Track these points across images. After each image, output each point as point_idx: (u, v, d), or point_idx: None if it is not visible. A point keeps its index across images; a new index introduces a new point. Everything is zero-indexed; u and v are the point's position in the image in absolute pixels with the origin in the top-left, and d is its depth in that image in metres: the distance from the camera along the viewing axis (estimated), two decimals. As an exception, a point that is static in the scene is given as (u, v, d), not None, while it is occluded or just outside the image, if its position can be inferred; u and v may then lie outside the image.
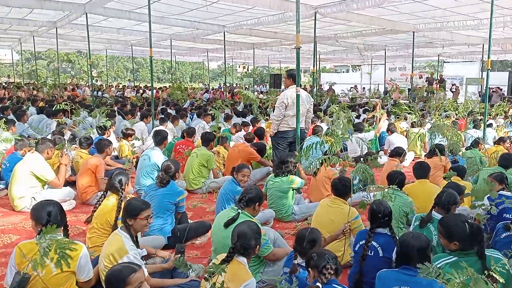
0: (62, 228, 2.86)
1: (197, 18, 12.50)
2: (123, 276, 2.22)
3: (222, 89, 22.77)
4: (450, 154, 5.54)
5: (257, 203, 3.44)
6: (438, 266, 2.62)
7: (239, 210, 3.35)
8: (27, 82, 21.28)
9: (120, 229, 2.97)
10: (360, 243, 3.07)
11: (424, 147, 8.20)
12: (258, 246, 2.72)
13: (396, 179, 4.10)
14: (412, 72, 14.92)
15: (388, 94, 18.25)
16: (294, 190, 4.85)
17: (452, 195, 3.43)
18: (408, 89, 18.39)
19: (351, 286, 3.02)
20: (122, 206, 3.18)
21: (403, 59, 24.80)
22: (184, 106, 12.93)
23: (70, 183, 5.68)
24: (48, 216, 2.78)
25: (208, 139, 6.18)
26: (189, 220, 4.45)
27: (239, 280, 2.49)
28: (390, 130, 8.26)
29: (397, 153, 5.68)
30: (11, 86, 18.55)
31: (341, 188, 3.71)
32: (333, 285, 2.39)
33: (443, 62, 26.10)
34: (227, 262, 2.59)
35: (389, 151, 6.41)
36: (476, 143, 6.65)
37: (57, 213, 2.81)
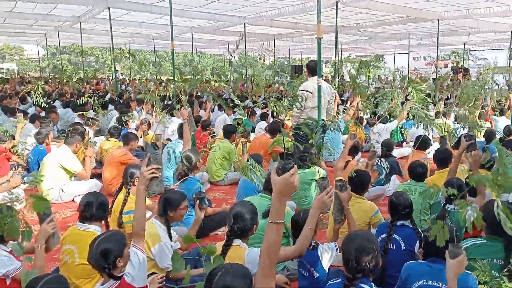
0: (103, 220, 3.00)
1: (217, 10, 12.50)
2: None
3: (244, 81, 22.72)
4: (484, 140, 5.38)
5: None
6: (464, 246, 2.68)
7: None
8: (53, 76, 21.73)
9: (154, 218, 3.10)
10: (382, 236, 3.05)
11: (449, 138, 8.02)
12: (255, 225, 2.72)
13: (416, 171, 4.05)
14: (436, 61, 14.56)
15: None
16: (316, 182, 4.84)
17: (463, 186, 3.36)
18: (433, 78, 17.98)
19: (374, 279, 3.01)
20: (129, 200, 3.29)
21: (428, 48, 24.22)
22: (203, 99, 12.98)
23: (96, 175, 5.82)
24: (88, 207, 2.90)
25: (230, 132, 6.22)
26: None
27: (239, 261, 2.48)
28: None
29: (423, 144, 5.55)
30: (39, 81, 18.94)
31: (358, 183, 3.62)
32: (361, 285, 2.21)
33: (469, 50, 25.37)
34: (228, 246, 2.61)
35: (412, 143, 6.29)
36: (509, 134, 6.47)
37: (97, 205, 2.92)
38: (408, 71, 21.64)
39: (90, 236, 2.77)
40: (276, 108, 3.24)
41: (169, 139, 7.44)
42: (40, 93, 5.11)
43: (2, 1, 10.22)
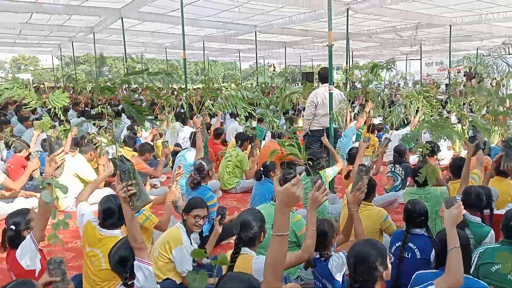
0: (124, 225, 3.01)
1: (228, 19, 12.59)
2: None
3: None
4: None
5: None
6: (481, 250, 2.69)
7: None
8: (67, 86, 22.02)
9: (180, 222, 3.18)
10: (397, 244, 3.01)
11: (464, 144, 7.92)
12: (262, 233, 2.68)
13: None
14: (449, 67, 14.44)
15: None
16: (329, 186, 4.81)
17: (481, 194, 3.28)
18: (446, 84, 17.83)
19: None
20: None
21: (440, 54, 24.06)
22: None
23: (110, 183, 5.87)
24: (109, 216, 2.93)
25: (242, 140, 6.23)
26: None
27: (247, 270, 2.44)
28: None
29: (432, 150, 5.40)
30: (54, 91, 19.17)
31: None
32: None
33: (482, 55, 25.13)
34: (236, 255, 2.60)
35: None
36: None
37: (118, 211, 2.90)
38: (421, 77, 21.50)
39: (114, 240, 2.80)
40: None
41: (178, 144, 7.48)
42: (61, 107, 5.17)
43: (18, 12, 10.41)
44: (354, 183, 2.76)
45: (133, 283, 2.25)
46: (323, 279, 2.74)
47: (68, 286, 2.23)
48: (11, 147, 6.08)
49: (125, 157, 2.08)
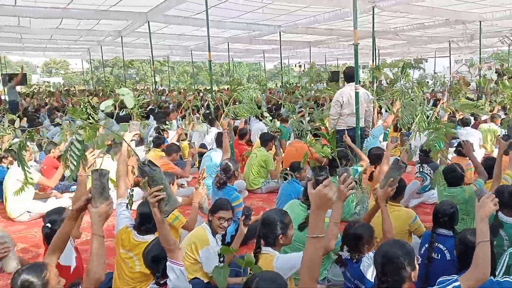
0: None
1: (252, 20, 12.64)
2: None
3: (279, 90, 22.75)
4: None
5: None
6: (511, 251, 2.63)
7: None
8: (98, 89, 22.54)
9: (205, 223, 3.24)
10: (426, 245, 2.97)
11: (497, 143, 7.70)
12: (282, 235, 2.64)
13: (447, 178, 3.82)
14: (480, 63, 14.05)
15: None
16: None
17: None
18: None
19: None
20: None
21: (470, 50, 23.41)
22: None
23: (137, 183, 5.98)
24: (144, 223, 2.93)
25: (266, 140, 6.24)
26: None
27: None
28: (463, 122, 7.74)
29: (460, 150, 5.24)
30: (87, 94, 19.65)
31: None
32: None
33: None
34: (259, 249, 2.61)
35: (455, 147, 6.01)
36: None
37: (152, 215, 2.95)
38: (450, 74, 20.97)
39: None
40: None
41: (203, 145, 7.54)
42: (91, 108, 5.31)
43: (48, 18, 10.76)
44: (386, 177, 2.74)
45: (165, 282, 2.29)
46: (355, 280, 2.72)
47: (107, 200, 2.20)
48: (44, 149, 6.29)
49: (152, 162, 2.06)
